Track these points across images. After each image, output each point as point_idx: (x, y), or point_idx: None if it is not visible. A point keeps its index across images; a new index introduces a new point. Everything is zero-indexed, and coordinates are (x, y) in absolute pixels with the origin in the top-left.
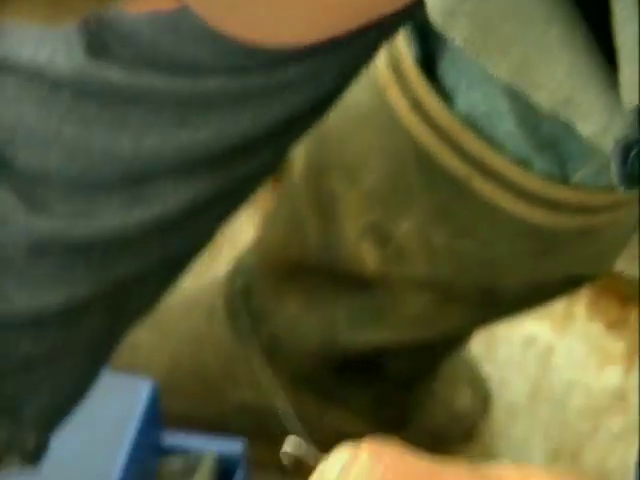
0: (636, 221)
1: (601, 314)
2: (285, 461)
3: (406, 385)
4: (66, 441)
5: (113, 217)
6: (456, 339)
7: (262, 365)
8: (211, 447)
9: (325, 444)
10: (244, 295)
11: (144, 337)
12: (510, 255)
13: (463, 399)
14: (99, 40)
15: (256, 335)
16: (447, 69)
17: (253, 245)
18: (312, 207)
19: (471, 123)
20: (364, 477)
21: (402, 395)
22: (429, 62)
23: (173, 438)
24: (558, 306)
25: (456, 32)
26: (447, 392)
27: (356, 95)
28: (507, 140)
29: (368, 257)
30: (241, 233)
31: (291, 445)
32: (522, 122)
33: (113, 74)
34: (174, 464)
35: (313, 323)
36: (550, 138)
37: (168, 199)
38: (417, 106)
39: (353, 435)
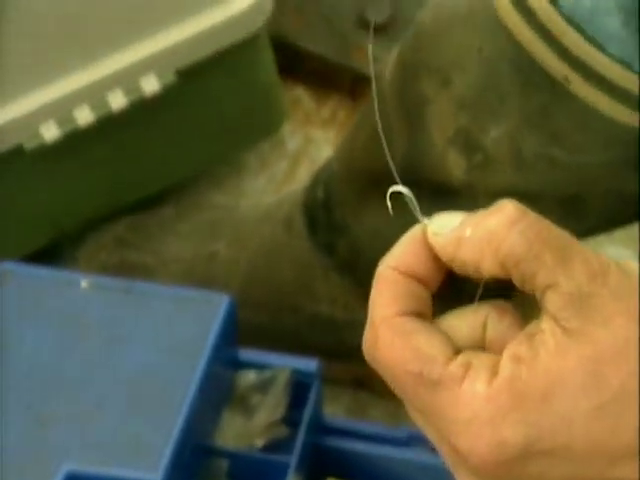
0: None
1: None
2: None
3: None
4: (145, 355)
5: None
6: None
7: (340, 278)
8: (286, 363)
9: None
10: (324, 206)
11: (221, 249)
12: (601, 164)
13: None
14: None
15: (335, 247)
16: None
17: (335, 155)
18: (400, 112)
19: (575, 21)
20: (505, 225)
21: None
22: None
23: (249, 353)
24: None
25: None
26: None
27: None
28: (610, 40)
29: (455, 165)
30: (320, 152)
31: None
32: (628, 21)
33: None
34: (250, 378)
35: (395, 234)
36: None
37: None
38: (520, 3)
39: None
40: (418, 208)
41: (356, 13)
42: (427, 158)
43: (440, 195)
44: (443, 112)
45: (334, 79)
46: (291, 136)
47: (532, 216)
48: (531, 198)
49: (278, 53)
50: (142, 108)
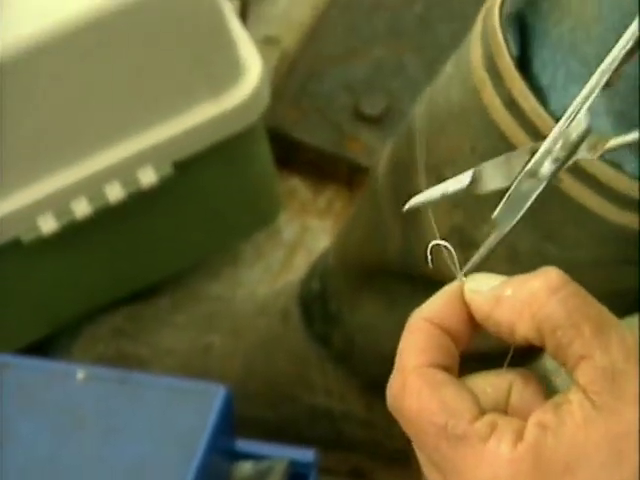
0: None
1: None
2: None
3: None
4: (141, 446)
5: None
6: (531, 350)
7: (335, 369)
8: (283, 454)
9: (394, 451)
10: (320, 298)
11: (218, 341)
12: (593, 261)
13: None
14: None
15: (330, 338)
16: (542, 67)
17: (330, 248)
18: (394, 207)
19: None
20: (547, 290)
21: None
22: (524, 61)
23: (246, 444)
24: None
25: None
26: None
27: (448, 94)
28: None
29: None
30: (316, 241)
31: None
32: (617, 123)
33: None
34: (246, 469)
35: (389, 327)
36: None
37: None
38: (511, 105)
39: None
40: (457, 263)
41: (351, 105)
42: (422, 253)
43: (436, 290)
44: (437, 210)
45: (330, 169)
46: (287, 226)
47: (574, 286)
48: None
49: (274, 144)
50: (139, 200)
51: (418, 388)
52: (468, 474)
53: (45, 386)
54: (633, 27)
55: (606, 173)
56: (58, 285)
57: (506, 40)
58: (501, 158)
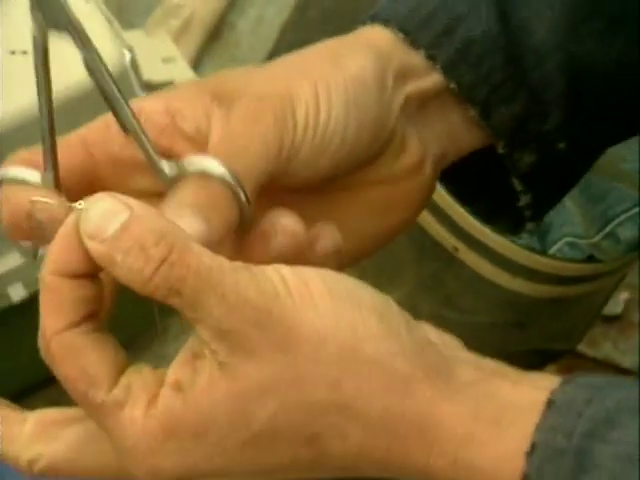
0: (602, 300)
1: None
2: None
3: None
4: None
5: None
6: None
7: None
8: None
9: None
10: None
11: None
12: (489, 324)
13: None
14: None
15: None
16: None
17: None
18: None
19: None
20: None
21: None
22: None
23: None
24: None
25: None
26: None
27: None
28: None
29: None
30: None
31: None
32: None
33: None
34: None
35: None
36: None
37: None
38: None
39: None
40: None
41: None
42: None
43: None
44: None
45: None
46: None
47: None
48: None
49: None
50: None
51: (61, 356)
52: (116, 442)
53: None
54: None
55: (497, 242)
56: (29, 347)
57: None
58: None
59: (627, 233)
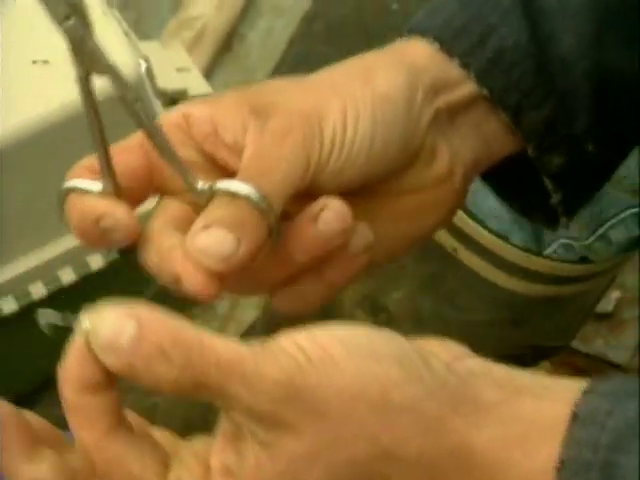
0: (595, 298)
1: None
2: (47, 331)
3: None
4: None
5: None
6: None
7: None
8: None
9: None
10: None
11: (160, 402)
12: (487, 322)
13: None
14: None
15: None
16: None
17: (258, 319)
18: None
19: None
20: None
21: None
22: None
23: None
24: None
25: None
26: None
27: None
28: (489, 217)
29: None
30: (246, 314)
31: (44, 316)
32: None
33: None
34: None
35: None
36: None
37: None
38: None
39: None
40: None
41: None
42: (337, 317)
43: None
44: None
45: None
46: (220, 301)
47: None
48: None
49: None
50: (89, 282)
51: (105, 465)
52: None
53: None
54: None
55: (495, 243)
56: (18, 359)
57: None
58: None
59: (618, 235)
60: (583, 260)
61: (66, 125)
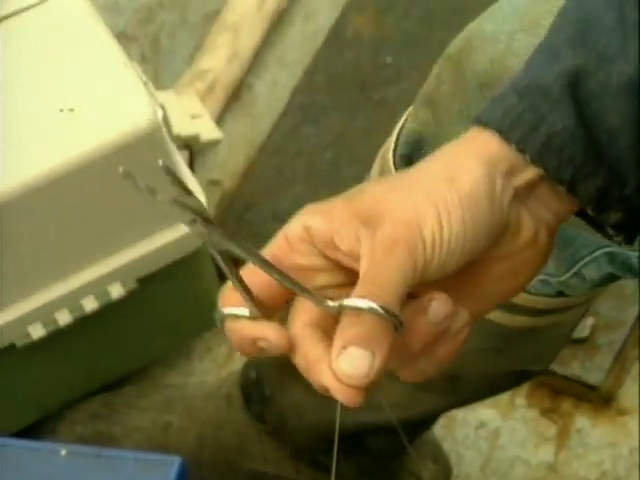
0: (571, 327)
1: (537, 403)
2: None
3: (383, 459)
4: None
5: None
6: (424, 422)
7: (270, 441)
8: None
9: None
10: (256, 385)
11: (175, 420)
12: (473, 350)
13: (429, 471)
14: None
15: (265, 416)
16: None
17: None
18: None
19: None
20: None
21: (380, 467)
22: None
23: None
24: (503, 397)
25: None
26: (416, 465)
27: None
28: None
29: None
30: None
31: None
32: None
33: None
34: None
35: (311, 407)
36: None
37: None
38: None
39: None
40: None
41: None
42: None
43: None
44: None
45: None
46: None
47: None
48: None
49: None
50: (110, 310)
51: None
52: None
53: (35, 461)
54: None
55: None
56: (46, 380)
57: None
58: None
59: (591, 273)
60: (560, 294)
61: (90, 169)
